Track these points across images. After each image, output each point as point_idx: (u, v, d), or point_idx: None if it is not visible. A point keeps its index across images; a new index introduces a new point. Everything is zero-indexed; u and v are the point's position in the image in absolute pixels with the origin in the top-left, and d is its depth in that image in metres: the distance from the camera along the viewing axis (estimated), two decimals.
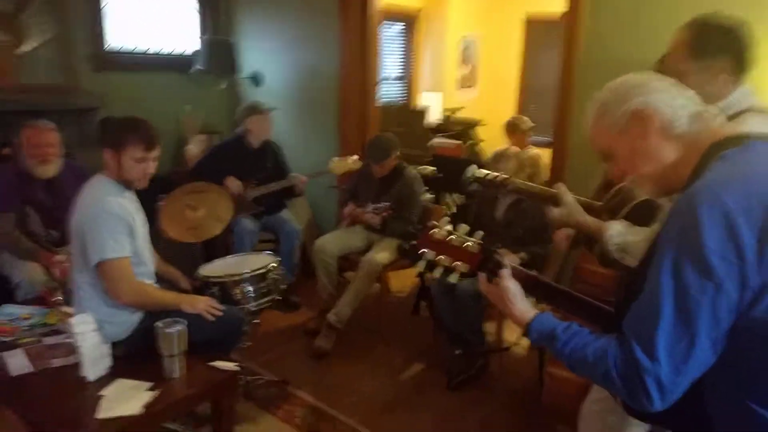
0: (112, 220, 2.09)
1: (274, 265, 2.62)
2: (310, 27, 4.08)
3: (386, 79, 6.52)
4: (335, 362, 3.08)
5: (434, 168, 4.50)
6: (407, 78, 6.88)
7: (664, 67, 1.49)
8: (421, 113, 5.65)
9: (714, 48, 1.43)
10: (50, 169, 2.80)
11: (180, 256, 2.87)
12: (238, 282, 2.49)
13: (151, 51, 4.23)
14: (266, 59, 4.39)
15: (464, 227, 1.23)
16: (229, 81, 4.49)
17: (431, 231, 1.22)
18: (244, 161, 3.67)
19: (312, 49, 4.10)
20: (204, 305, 2.26)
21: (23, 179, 2.79)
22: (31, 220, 2.81)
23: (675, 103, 1.04)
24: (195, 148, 4.21)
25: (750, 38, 1.45)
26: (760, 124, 1.37)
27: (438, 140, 5.57)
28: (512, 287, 1.18)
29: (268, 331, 3.40)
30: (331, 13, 3.90)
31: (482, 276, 1.21)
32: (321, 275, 3.38)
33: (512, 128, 4.28)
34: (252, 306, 2.52)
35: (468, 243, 1.21)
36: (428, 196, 5.15)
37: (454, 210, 4.91)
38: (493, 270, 1.20)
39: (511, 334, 3.12)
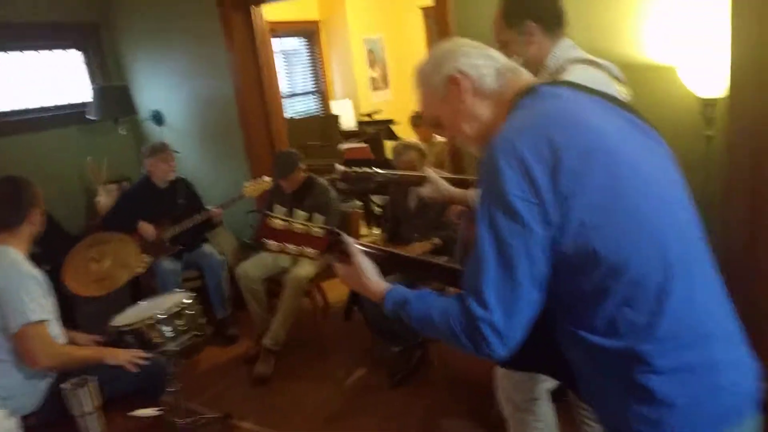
0: (32, 284, 2.04)
1: (187, 300, 2.57)
2: (199, 57, 4.04)
3: (295, 94, 6.53)
4: (278, 385, 3.06)
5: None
6: (320, 90, 6.91)
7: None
8: (334, 122, 5.67)
9: (520, 15, 1.53)
10: None
11: (109, 309, 2.78)
12: (151, 325, 2.43)
13: (44, 107, 4.11)
14: (164, 97, 4.32)
15: (301, 213, 1.25)
16: (131, 124, 4.40)
17: (268, 221, 1.22)
18: (155, 203, 3.60)
19: (206, 78, 4.06)
20: (127, 356, 2.21)
21: None
22: None
23: (479, 63, 1.12)
24: (105, 198, 4.09)
25: None
26: (582, 71, 1.47)
27: (346, 145, 5.59)
28: (365, 263, 1.21)
29: (208, 368, 3.35)
30: (216, 38, 3.87)
31: (336, 264, 1.23)
32: (250, 302, 3.34)
33: (416, 121, 4.36)
34: (173, 346, 2.47)
35: (315, 229, 1.23)
36: (357, 203, 5.19)
37: (380, 210, 4.97)
38: (342, 252, 1.22)
39: None
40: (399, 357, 2.94)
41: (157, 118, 4.36)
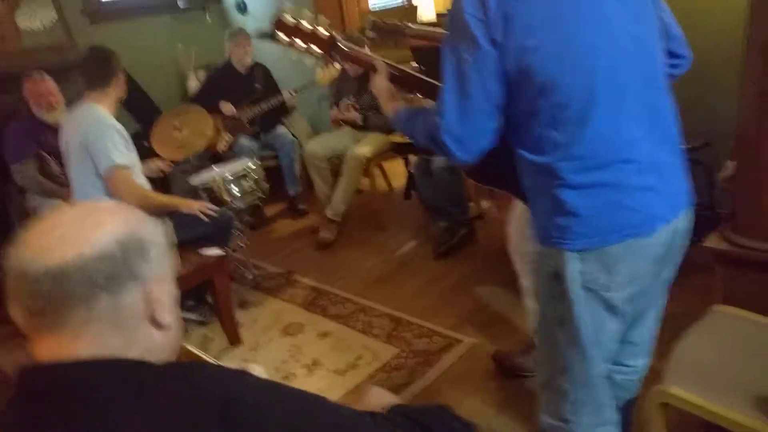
0: (115, 134, 2.39)
1: (252, 166, 2.88)
2: None
3: None
4: (336, 251, 3.39)
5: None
6: None
7: None
8: (413, 13, 5.64)
9: None
10: (57, 115, 3.14)
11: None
12: (221, 184, 2.78)
13: None
14: None
15: (309, 14, 1.42)
16: (217, 13, 4.67)
17: (280, 18, 1.40)
18: (235, 86, 3.91)
19: None
20: (198, 205, 2.58)
21: (36, 128, 3.15)
22: (48, 163, 3.19)
23: None
24: (195, 83, 4.47)
25: None
26: None
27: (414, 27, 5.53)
28: (388, 85, 1.39)
29: (279, 237, 3.75)
30: None
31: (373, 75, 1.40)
32: (315, 178, 3.63)
33: None
34: (240, 204, 2.82)
35: (320, 29, 1.40)
36: None
37: None
38: (344, 54, 1.39)
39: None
40: (445, 231, 3.14)
41: (241, 6, 4.59)
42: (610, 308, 1.14)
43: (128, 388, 0.65)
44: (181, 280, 2.35)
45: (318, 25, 1.41)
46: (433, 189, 3.13)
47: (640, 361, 1.36)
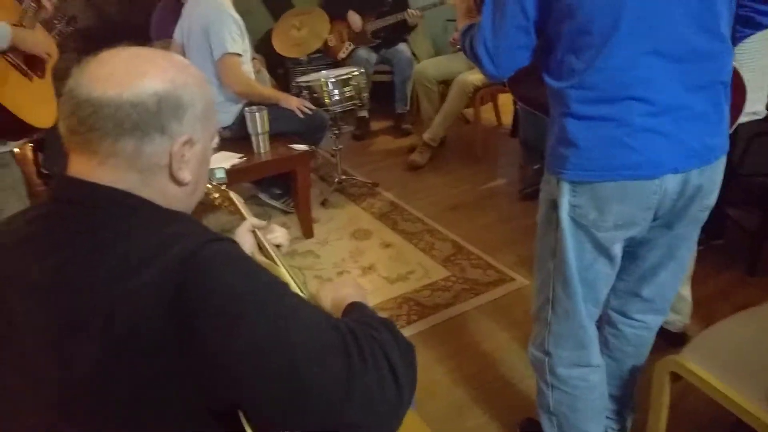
0: (233, 23, 2.58)
1: (356, 73, 2.96)
2: None
3: None
4: (424, 174, 3.43)
5: None
6: None
7: None
8: None
9: None
10: None
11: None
12: (323, 85, 2.90)
13: None
14: None
15: None
16: None
17: None
18: None
19: None
20: (297, 102, 2.74)
21: (178, 12, 3.44)
22: None
23: None
24: None
25: None
26: None
27: None
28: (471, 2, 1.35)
29: (377, 150, 3.86)
30: None
31: None
32: (422, 99, 3.65)
33: None
34: (337, 108, 2.94)
35: None
36: None
37: None
38: None
39: None
40: (536, 173, 3.04)
41: None
42: (600, 247, 1.11)
43: (118, 220, 0.74)
44: (266, 166, 2.58)
45: None
46: (535, 129, 3.02)
47: (650, 318, 1.31)
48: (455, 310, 2.20)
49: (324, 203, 3.04)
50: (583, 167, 1.05)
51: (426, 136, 3.49)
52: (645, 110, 1.01)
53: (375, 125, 4.16)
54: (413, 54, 4.08)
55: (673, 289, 1.30)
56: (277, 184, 2.95)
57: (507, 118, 3.99)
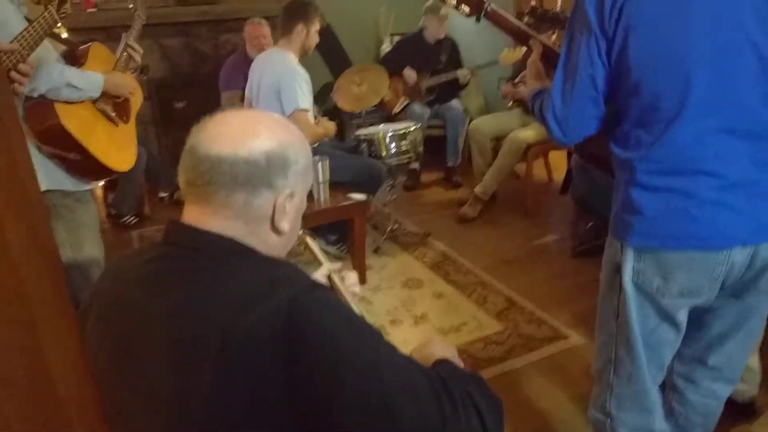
0: (303, 80, 2.73)
1: (413, 128, 3.06)
2: None
3: None
4: (476, 227, 3.47)
5: None
6: None
7: None
8: None
9: None
10: None
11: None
12: (381, 139, 3.01)
13: None
14: None
15: None
16: None
17: None
18: (421, 54, 4.12)
19: None
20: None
21: (246, 65, 3.67)
22: None
23: None
24: (388, 47, 4.78)
25: None
26: None
27: None
28: (538, 63, 1.39)
29: (428, 201, 3.93)
30: None
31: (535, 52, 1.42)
32: (475, 154, 3.72)
33: None
34: (394, 160, 3.04)
35: None
36: None
37: None
38: (492, 17, 1.46)
39: None
40: (590, 231, 3.04)
41: None
42: (663, 314, 1.13)
43: (230, 263, 0.81)
44: (325, 214, 2.67)
45: None
46: (589, 186, 3.03)
47: (717, 386, 1.29)
48: (509, 365, 2.19)
49: (377, 251, 3.10)
50: (648, 235, 1.08)
51: (478, 189, 3.55)
52: (714, 184, 1.03)
53: (425, 177, 4.25)
54: (465, 110, 4.20)
55: (742, 358, 1.28)
56: (332, 230, 3.04)
57: (558, 175, 4.02)
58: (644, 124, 1.06)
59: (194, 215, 0.85)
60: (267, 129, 0.85)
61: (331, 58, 4.56)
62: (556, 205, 3.70)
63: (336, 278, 1.37)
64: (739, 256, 1.07)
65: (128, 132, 2.07)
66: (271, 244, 0.88)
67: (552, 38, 3.35)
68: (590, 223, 3.07)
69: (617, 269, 1.16)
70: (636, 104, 1.06)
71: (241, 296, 0.77)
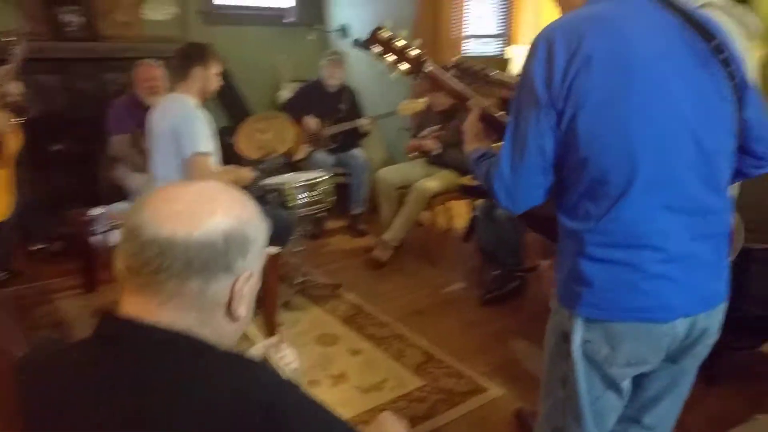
0: (202, 123, 2.53)
1: (324, 177, 3.01)
2: None
3: (475, 36, 6.59)
4: (385, 276, 3.44)
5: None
6: (506, 35, 6.89)
7: None
8: (503, 65, 5.71)
9: None
10: (157, 98, 3.40)
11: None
12: (290, 189, 2.91)
13: (250, 5, 4.80)
14: (354, 12, 4.75)
15: (404, 33, 1.49)
16: (319, 33, 4.93)
17: (377, 31, 1.49)
18: (322, 102, 4.11)
19: (388, 2, 4.39)
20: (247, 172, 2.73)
21: (136, 108, 3.42)
22: (141, 140, 3.45)
23: None
24: (286, 93, 4.71)
25: None
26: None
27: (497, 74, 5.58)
28: (478, 124, 1.39)
29: (334, 250, 3.86)
30: None
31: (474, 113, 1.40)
32: (382, 203, 3.73)
33: None
34: (303, 211, 2.94)
35: (411, 51, 1.46)
36: None
37: None
38: (430, 77, 1.45)
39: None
40: (496, 279, 3.13)
41: (343, 31, 4.82)
42: (610, 383, 1.15)
43: (188, 364, 0.71)
44: None
45: (411, 45, 1.48)
46: (493, 235, 3.14)
47: None
48: (433, 423, 2.14)
49: (287, 305, 2.96)
50: (597, 306, 1.09)
51: (387, 236, 3.55)
52: (658, 257, 1.06)
53: (330, 224, 4.18)
54: (368, 158, 4.22)
55: (674, 416, 1.33)
56: None
57: (458, 222, 4.13)
58: (592, 197, 1.07)
59: (137, 307, 0.73)
60: (222, 205, 0.76)
61: (228, 103, 4.41)
62: (460, 252, 3.78)
63: (273, 355, 1.27)
64: (681, 326, 1.11)
65: (3, 177, 1.81)
66: (223, 333, 0.79)
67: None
68: (496, 272, 3.16)
69: (565, 338, 1.16)
70: (585, 177, 1.07)
71: (207, 404, 0.67)
